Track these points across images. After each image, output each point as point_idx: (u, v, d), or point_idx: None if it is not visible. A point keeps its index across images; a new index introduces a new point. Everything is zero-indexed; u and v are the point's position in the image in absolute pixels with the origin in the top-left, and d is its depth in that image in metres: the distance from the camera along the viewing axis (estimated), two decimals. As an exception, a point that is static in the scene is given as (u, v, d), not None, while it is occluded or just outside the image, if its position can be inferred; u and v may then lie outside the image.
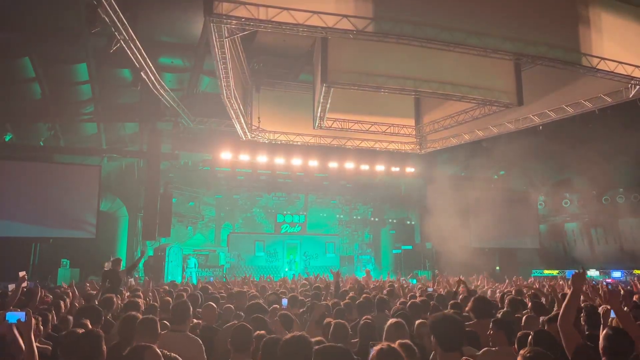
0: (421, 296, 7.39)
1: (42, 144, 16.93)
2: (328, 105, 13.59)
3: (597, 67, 10.99)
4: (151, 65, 12.01)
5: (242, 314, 5.64)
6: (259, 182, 23.22)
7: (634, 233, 21.40)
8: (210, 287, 8.90)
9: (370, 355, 2.52)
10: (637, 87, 12.13)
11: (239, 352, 3.59)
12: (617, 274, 19.57)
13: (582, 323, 4.42)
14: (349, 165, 20.28)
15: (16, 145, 16.25)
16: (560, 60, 10.75)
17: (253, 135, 16.70)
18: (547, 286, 7.80)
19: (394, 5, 9.85)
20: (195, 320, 5.23)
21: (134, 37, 10.55)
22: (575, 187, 21.97)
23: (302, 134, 17.22)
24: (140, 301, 5.92)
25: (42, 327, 4.62)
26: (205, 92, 16.94)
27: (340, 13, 9.44)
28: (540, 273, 20.68)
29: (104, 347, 3.39)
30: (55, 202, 16.03)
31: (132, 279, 13.26)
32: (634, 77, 11.44)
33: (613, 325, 3.69)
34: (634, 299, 6.78)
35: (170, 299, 6.59)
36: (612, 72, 11.13)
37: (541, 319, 4.86)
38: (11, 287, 6.44)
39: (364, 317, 4.95)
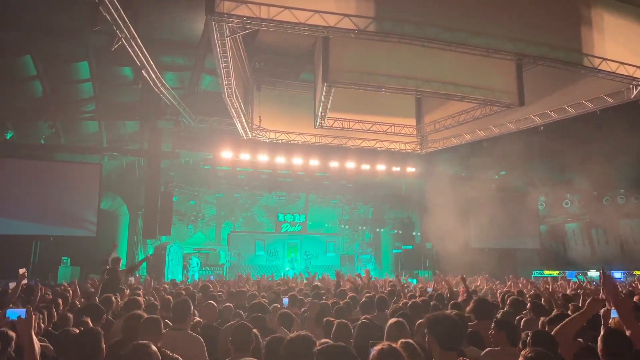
0: (421, 296, 7.39)
1: (42, 142, 16.93)
2: (329, 105, 13.58)
3: (598, 68, 10.97)
4: (152, 63, 12.01)
5: (242, 312, 5.64)
6: (260, 181, 23.22)
7: (635, 234, 21.37)
8: (210, 285, 8.90)
9: (371, 355, 2.51)
10: (639, 87, 12.11)
11: (240, 352, 3.59)
12: (617, 275, 19.55)
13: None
14: (350, 164, 20.26)
15: (17, 143, 16.26)
16: (561, 61, 10.74)
17: (254, 134, 16.69)
18: (542, 288, 7.73)
19: (395, 5, 9.84)
20: (196, 319, 5.23)
21: (135, 36, 10.55)
22: (576, 187, 21.92)
23: (303, 133, 17.21)
24: (141, 299, 5.92)
25: (42, 325, 4.63)
26: (206, 90, 16.94)
27: (342, 12, 9.43)
28: (541, 273, 20.67)
29: (104, 345, 3.39)
30: (55, 200, 16.03)
31: (132, 278, 13.27)
32: (636, 78, 11.42)
33: (613, 326, 3.69)
34: (634, 299, 6.78)
35: (170, 298, 6.59)
36: (613, 72, 11.11)
37: (541, 319, 4.85)
38: (12, 285, 6.45)
39: (362, 317, 4.95)
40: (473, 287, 10.02)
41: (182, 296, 6.20)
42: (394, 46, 11.00)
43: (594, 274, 19.12)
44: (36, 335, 3.28)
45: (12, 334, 3.38)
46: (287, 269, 22.37)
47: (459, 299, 7.09)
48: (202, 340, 4.23)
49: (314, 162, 19.65)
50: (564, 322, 3.56)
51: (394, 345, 2.54)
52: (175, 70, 15.54)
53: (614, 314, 3.63)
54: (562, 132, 15.75)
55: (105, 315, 5.11)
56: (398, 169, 21.15)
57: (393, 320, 4.09)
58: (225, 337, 4.02)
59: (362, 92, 13.64)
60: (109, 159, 19.34)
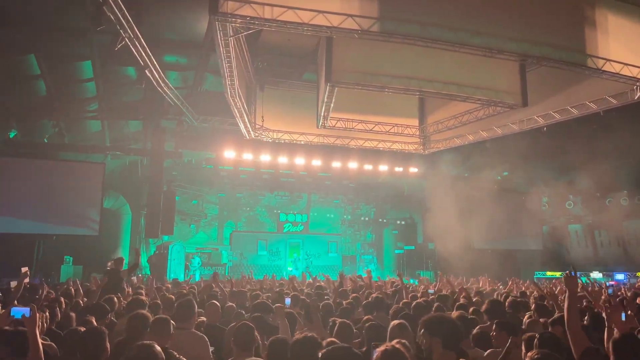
0: (422, 297, 7.39)
1: (46, 141, 16.96)
2: (332, 105, 13.57)
3: (602, 69, 10.92)
4: (155, 63, 12.03)
5: (244, 312, 5.65)
6: (262, 181, 23.25)
7: (638, 235, 21.30)
8: (214, 284, 8.91)
9: (374, 356, 2.51)
10: (643, 88, 12.07)
11: (242, 351, 3.59)
12: (620, 276, 19.52)
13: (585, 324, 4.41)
14: (352, 164, 20.27)
15: (20, 142, 16.29)
16: (565, 62, 10.70)
17: (256, 134, 16.70)
18: (546, 290, 7.72)
19: (399, 5, 9.82)
20: (200, 319, 5.24)
21: (139, 35, 10.56)
22: (578, 188, 21.86)
23: (305, 133, 17.21)
24: (144, 299, 5.93)
25: (45, 323, 4.64)
26: (209, 90, 16.93)
27: (345, 12, 9.42)
28: (543, 275, 20.63)
29: (108, 344, 3.40)
30: (58, 199, 16.06)
31: (134, 277, 13.31)
32: (640, 79, 11.39)
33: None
34: (638, 301, 6.76)
35: (172, 297, 6.61)
36: (617, 73, 11.07)
37: (541, 320, 4.86)
38: (13, 283, 6.48)
39: (365, 317, 4.96)
40: (475, 289, 10.00)
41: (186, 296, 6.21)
42: (397, 46, 10.99)
43: (597, 275, 19.09)
44: (40, 334, 3.30)
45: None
46: (290, 269, 22.38)
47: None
48: (207, 339, 4.25)
49: (317, 162, 19.67)
50: (565, 315, 3.53)
51: (397, 346, 2.54)
52: (179, 69, 15.55)
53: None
54: (565, 132, 15.72)
55: (109, 315, 5.12)
56: (400, 169, 21.15)
57: (396, 322, 4.09)
58: (230, 338, 4.03)
59: (365, 93, 13.63)
60: (112, 158, 19.36)
